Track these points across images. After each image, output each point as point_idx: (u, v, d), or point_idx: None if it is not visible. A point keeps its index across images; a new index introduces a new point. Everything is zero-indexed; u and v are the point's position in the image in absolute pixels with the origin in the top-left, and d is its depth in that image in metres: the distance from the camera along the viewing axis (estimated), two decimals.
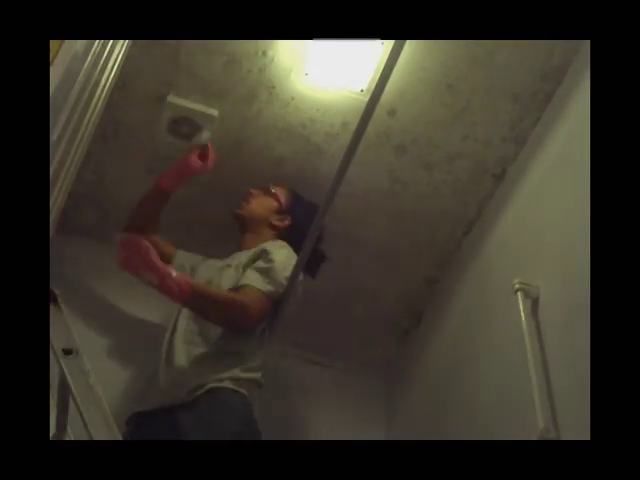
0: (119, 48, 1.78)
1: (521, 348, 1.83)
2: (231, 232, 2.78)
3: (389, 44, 2.01)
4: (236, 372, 1.91)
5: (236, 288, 2.03)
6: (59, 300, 1.37)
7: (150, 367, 2.12)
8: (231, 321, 1.97)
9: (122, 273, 2.75)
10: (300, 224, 2.24)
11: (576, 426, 1.54)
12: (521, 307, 1.93)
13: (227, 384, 1.88)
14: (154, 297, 2.67)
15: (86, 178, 2.44)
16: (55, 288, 1.33)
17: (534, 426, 1.65)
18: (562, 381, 1.72)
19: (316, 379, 2.81)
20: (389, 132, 2.43)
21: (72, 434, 1.42)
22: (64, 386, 1.28)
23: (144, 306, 2.65)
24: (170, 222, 2.77)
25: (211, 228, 2.75)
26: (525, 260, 2.13)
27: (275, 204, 2.37)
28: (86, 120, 1.64)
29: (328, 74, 2.30)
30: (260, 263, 2.09)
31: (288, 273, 2.05)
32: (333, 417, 2.55)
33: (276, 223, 2.34)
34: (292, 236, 2.25)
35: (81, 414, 1.21)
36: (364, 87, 2.30)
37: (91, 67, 1.50)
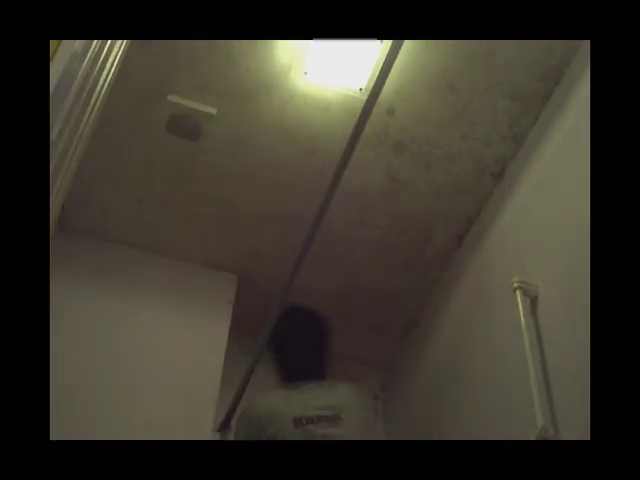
0: (118, 47, 1.78)
1: (520, 347, 1.83)
2: (227, 231, 2.79)
3: (388, 43, 2.01)
4: None
5: None
6: None
7: None
8: None
9: (121, 274, 2.76)
10: None
11: (576, 426, 1.54)
12: (520, 306, 1.93)
13: None
14: (153, 297, 2.69)
15: (86, 178, 2.44)
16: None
17: (533, 425, 1.65)
18: (561, 380, 1.72)
19: None
20: (388, 131, 2.43)
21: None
22: None
23: (143, 305, 2.66)
24: (168, 223, 2.78)
25: (210, 228, 2.75)
26: (524, 259, 2.13)
27: None
28: (85, 119, 1.64)
29: (327, 73, 2.29)
30: None
31: None
32: None
33: None
34: None
35: None
36: (363, 86, 2.30)
37: (90, 66, 1.50)
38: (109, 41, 1.61)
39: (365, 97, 2.02)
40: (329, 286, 2.77)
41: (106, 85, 1.78)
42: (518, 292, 1.96)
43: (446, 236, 2.69)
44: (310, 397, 2.01)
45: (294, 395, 2.03)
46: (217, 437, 2.46)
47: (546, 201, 2.15)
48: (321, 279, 2.66)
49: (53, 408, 1.07)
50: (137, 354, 2.49)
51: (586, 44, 2.13)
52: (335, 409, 1.98)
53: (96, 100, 1.70)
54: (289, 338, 2.17)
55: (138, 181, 2.61)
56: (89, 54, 1.47)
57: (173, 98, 2.36)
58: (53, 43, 1.23)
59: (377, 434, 2.44)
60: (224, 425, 2.54)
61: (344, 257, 2.72)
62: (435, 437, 2.21)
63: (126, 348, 2.49)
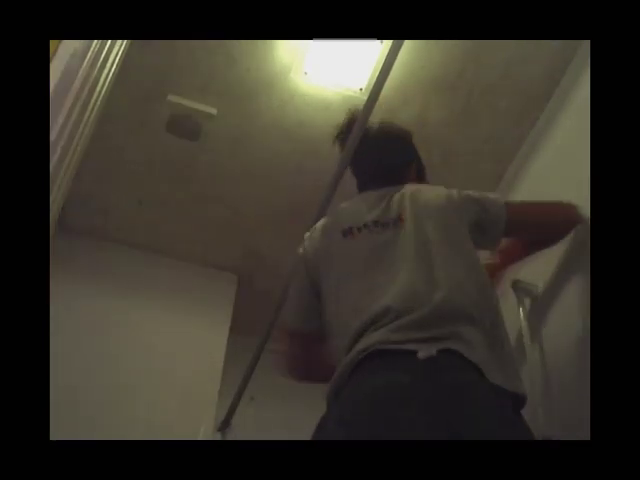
0: (118, 46, 1.78)
1: (520, 346, 1.83)
2: (227, 231, 2.79)
3: (388, 43, 2.01)
4: None
5: None
6: None
7: None
8: None
9: (121, 274, 2.76)
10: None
11: (576, 426, 1.54)
12: (520, 306, 1.93)
13: None
14: (153, 297, 2.69)
15: (86, 178, 2.44)
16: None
17: (534, 426, 1.65)
18: (562, 380, 1.72)
19: None
20: None
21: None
22: None
23: (143, 305, 2.66)
24: (168, 223, 2.78)
25: (210, 228, 2.75)
26: (525, 259, 2.13)
27: None
28: (85, 119, 1.64)
29: (327, 73, 2.29)
30: None
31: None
32: None
33: None
34: None
35: None
36: (363, 86, 2.30)
37: (90, 66, 1.50)
38: (109, 41, 1.61)
39: (365, 97, 2.02)
40: None
41: (106, 85, 1.78)
42: (519, 292, 1.95)
43: None
44: (373, 203, 1.70)
45: (356, 205, 1.73)
46: (217, 437, 2.46)
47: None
48: None
49: (53, 408, 1.07)
50: (137, 354, 2.49)
51: (586, 44, 2.13)
52: (398, 211, 1.65)
53: (96, 100, 1.71)
54: (362, 145, 1.82)
55: (138, 181, 2.61)
56: (89, 54, 1.47)
57: (173, 98, 2.36)
58: (53, 43, 1.23)
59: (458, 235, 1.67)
60: (224, 425, 2.54)
61: None
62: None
63: (126, 348, 2.49)
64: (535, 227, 1.73)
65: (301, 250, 1.72)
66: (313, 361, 1.71)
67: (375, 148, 1.84)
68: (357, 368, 1.44)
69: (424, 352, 1.36)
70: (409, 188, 1.72)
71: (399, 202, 1.67)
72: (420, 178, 1.89)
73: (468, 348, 1.39)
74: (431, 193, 1.70)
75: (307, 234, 1.75)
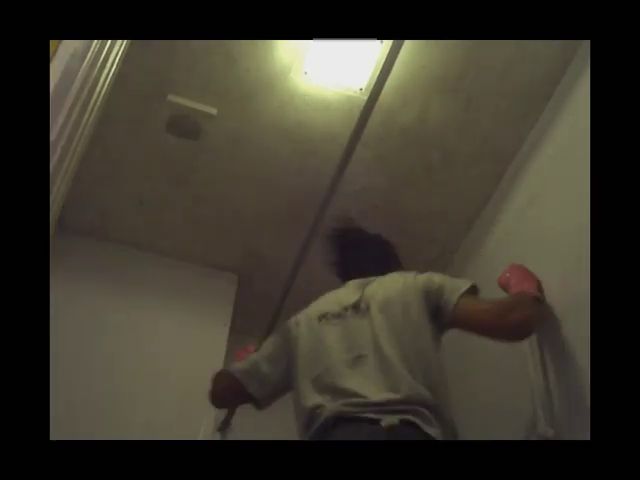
0: (118, 46, 1.78)
1: (520, 347, 1.83)
2: (227, 231, 2.78)
3: (388, 43, 2.01)
4: None
5: None
6: None
7: None
8: None
9: (121, 274, 2.76)
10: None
11: (576, 426, 1.54)
12: None
13: None
14: (153, 297, 2.69)
15: (86, 178, 2.44)
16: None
17: (534, 426, 1.65)
18: (562, 380, 1.72)
19: None
20: (388, 131, 2.43)
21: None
22: None
23: (143, 305, 2.66)
24: (168, 223, 2.78)
25: (210, 228, 2.75)
26: (524, 259, 2.13)
27: None
28: (85, 119, 1.64)
29: (327, 73, 2.29)
30: None
31: None
32: None
33: None
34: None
35: None
36: (363, 86, 2.30)
37: (90, 66, 1.50)
38: (109, 41, 1.61)
39: (365, 97, 2.02)
40: (330, 287, 2.76)
41: (106, 85, 1.78)
42: None
43: (446, 236, 2.68)
44: (348, 292, 1.82)
45: (334, 293, 1.87)
46: (217, 437, 2.46)
47: (546, 201, 2.14)
48: (321, 280, 2.65)
49: (53, 408, 1.07)
50: (137, 354, 2.49)
51: (586, 44, 2.13)
52: (369, 300, 1.74)
53: (96, 100, 1.71)
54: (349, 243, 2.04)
55: (138, 181, 2.61)
56: (89, 54, 1.47)
57: (173, 98, 2.36)
58: (53, 43, 1.23)
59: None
60: (224, 425, 2.54)
61: None
62: None
63: (126, 348, 2.50)
64: (482, 332, 1.71)
65: (284, 328, 1.86)
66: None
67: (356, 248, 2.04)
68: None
69: (387, 421, 1.42)
70: (379, 279, 1.84)
71: (369, 291, 1.79)
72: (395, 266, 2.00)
73: (425, 422, 1.44)
74: (395, 283, 1.79)
75: (294, 317, 1.87)
